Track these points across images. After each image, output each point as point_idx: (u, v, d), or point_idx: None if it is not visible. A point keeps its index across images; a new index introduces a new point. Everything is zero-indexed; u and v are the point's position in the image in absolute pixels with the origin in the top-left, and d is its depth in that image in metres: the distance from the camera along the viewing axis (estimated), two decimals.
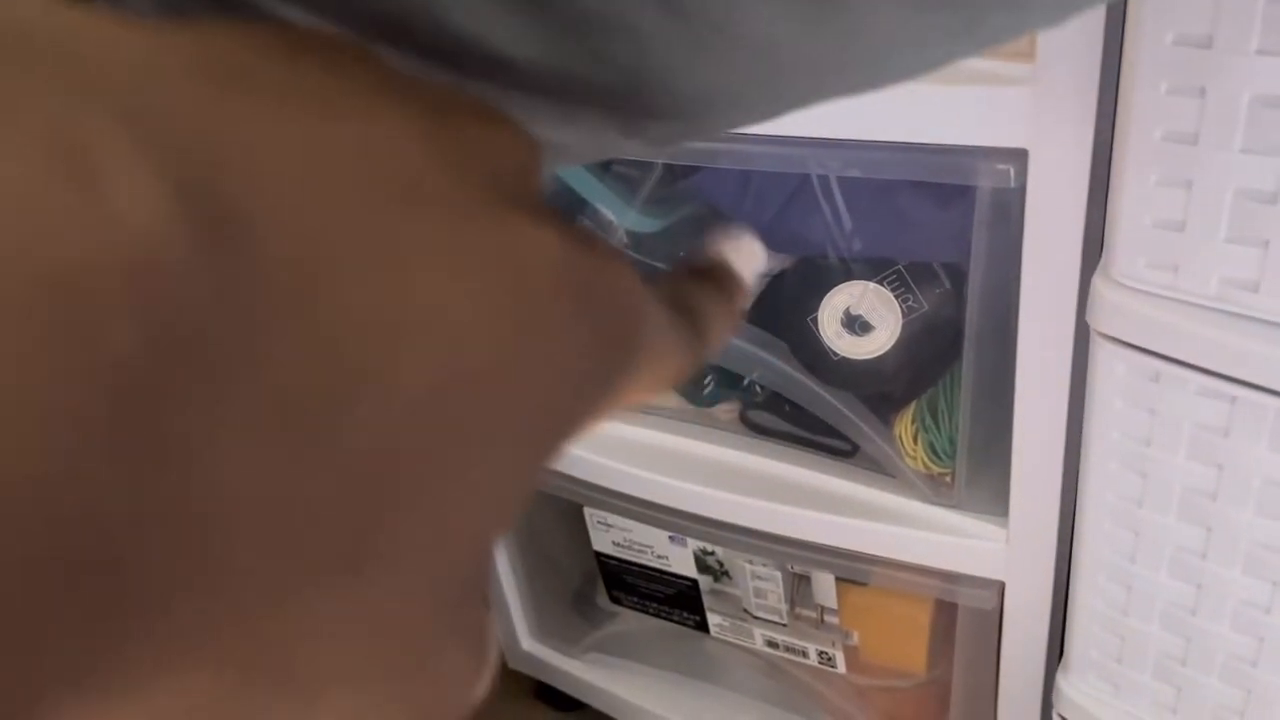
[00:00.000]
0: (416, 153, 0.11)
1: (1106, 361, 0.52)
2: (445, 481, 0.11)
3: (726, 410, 0.81)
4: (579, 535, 0.96)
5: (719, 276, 0.20)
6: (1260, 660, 0.54)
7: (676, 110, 0.16)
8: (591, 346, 0.13)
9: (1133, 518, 0.56)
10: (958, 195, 0.58)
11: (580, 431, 0.14)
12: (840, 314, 0.67)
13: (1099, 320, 0.51)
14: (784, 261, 0.72)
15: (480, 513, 0.12)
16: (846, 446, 0.75)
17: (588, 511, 0.93)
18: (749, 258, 0.20)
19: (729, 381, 0.79)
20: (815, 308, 0.67)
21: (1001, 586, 0.72)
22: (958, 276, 0.63)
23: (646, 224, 0.71)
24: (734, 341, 0.72)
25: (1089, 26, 0.47)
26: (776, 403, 0.77)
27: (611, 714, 1.05)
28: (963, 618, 0.77)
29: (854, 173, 0.58)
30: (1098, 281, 0.51)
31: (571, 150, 0.17)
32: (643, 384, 0.16)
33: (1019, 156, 0.52)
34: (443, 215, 0.11)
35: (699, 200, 0.70)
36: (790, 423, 0.77)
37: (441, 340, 0.10)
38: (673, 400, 0.84)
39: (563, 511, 0.96)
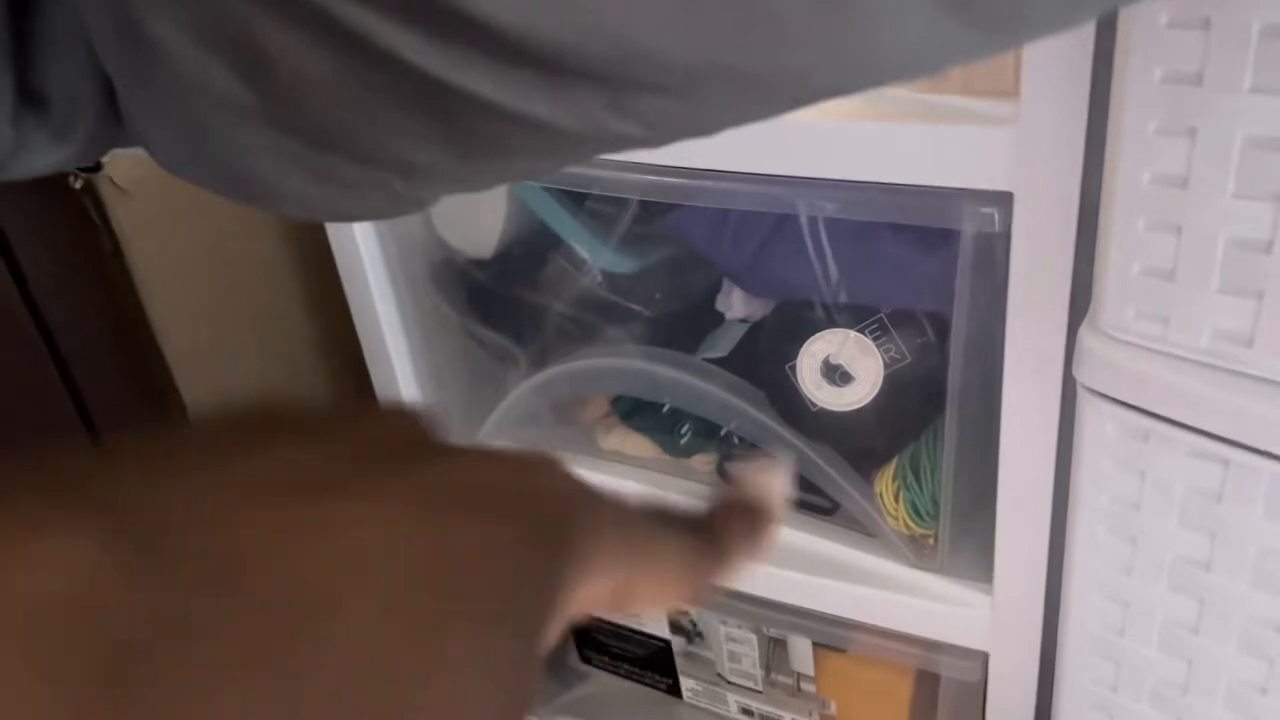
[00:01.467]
0: (312, 455, 0.15)
1: (1094, 419, 0.49)
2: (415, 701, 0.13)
3: (704, 461, 0.78)
4: None
5: (745, 505, 0.24)
6: None
7: (669, 84, 0.16)
8: (516, 556, 0.16)
9: (1121, 588, 0.53)
10: (941, 240, 0.56)
11: (550, 627, 0.16)
12: (820, 363, 0.64)
13: (1086, 374, 0.49)
14: (764, 308, 0.69)
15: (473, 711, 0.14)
16: (827, 504, 0.72)
17: None
18: (775, 480, 0.25)
19: (707, 432, 0.76)
20: (794, 355, 0.64)
21: (985, 657, 0.68)
22: (942, 326, 0.61)
23: (622, 264, 0.68)
24: (711, 389, 0.69)
25: (1075, 62, 0.45)
26: (755, 455, 0.74)
27: None
28: (945, 689, 0.73)
29: (833, 213, 0.55)
30: (1085, 333, 0.48)
31: (564, 136, 0.17)
32: (642, 583, 0.20)
33: (1003, 200, 0.50)
34: (339, 494, 0.14)
35: (677, 242, 0.68)
36: None
37: (370, 586, 0.13)
38: (649, 450, 0.81)
39: None
